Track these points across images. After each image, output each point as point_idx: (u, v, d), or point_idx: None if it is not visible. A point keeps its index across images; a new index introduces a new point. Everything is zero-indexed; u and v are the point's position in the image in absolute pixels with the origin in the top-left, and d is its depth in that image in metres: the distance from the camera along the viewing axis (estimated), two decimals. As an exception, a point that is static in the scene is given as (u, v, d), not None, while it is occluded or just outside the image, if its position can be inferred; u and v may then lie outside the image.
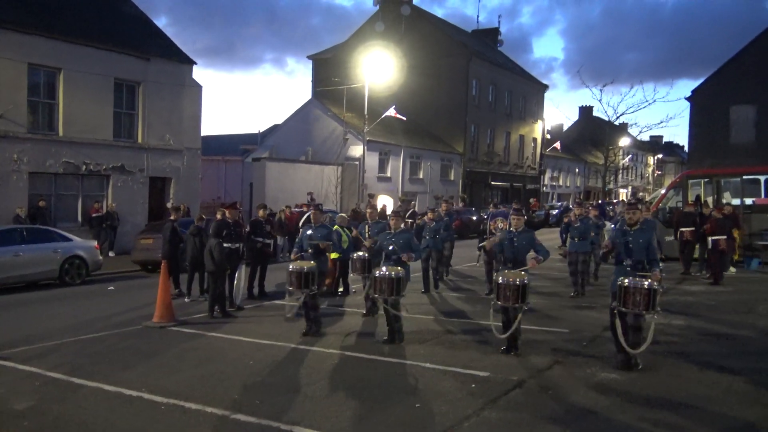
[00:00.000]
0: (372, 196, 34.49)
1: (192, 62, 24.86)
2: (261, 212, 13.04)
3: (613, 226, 13.72)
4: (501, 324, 8.03)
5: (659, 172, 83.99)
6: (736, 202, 18.49)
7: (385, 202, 34.13)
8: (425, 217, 13.96)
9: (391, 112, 33.98)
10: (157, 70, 23.23)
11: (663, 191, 24.61)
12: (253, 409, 5.86)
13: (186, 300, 12.15)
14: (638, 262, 7.30)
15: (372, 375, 7.08)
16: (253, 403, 6.02)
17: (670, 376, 6.99)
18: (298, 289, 8.81)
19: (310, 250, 9.27)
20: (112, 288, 14.54)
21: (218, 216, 11.80)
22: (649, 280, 7.01)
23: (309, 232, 9.52)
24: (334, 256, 12.65)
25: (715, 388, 6.50)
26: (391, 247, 8.90)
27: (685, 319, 10.14)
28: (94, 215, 20.83)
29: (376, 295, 8.50)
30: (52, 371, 7.22)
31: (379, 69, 34.87)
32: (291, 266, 8.90)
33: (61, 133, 20.62)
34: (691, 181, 20.23)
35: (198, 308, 11.33)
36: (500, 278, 7.84)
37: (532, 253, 8.21)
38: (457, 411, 5.74)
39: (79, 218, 21.26)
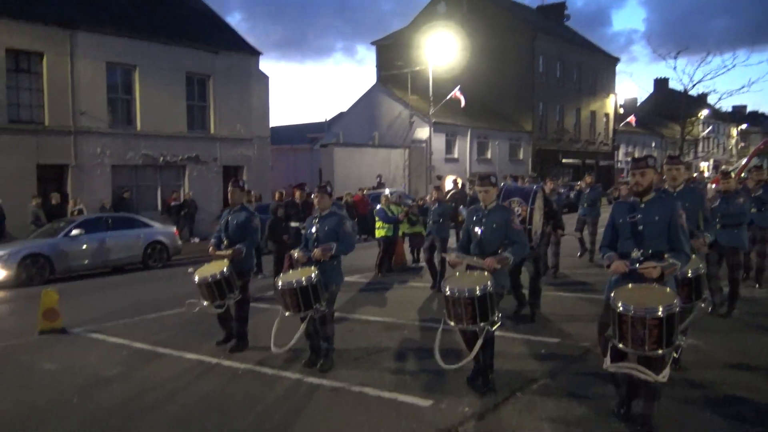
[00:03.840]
0: (440, 178, 34.47)
1: (258, 53, 25.45)
2: (297, 193, 11.44)
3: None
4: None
5: (743, 144, 79.60)
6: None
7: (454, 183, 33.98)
8: (427, 198, 11.43)
9: (456, 92, 33.77)
10: (226, 63, 23.92)
11: (745, 160, 23.46)
12: (335, 374, 6.04)
13: (259, 277, 12.54)
14: (655, 255, 4.54)
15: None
16: (338, 371, 6.19)
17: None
18: (211, 303, 6.83)
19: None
20: (191, 270, 15.10)
21: (276, 197, 12.16)
22: (666, 300, 4.21)
23: (313, 227, 6.46)
24: (380, 234, 12.76)
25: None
26: (314, 232, 6.39)
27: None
28: (172, 204, 21.75)
29: (287, 314, 6.11)
30: (137, 342, 7.67)
31: (443, 51, 34.61)
32: (196, 276, 6.90)
33: (139, 127, 21.60)
34: (776, 147, 19.18)
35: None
36: (447, 287, 5.22)
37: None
38: None
39: (159, 207, 22.28)
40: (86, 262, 14.68)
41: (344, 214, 6.68)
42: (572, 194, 15.22)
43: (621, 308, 4.25)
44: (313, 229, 6.39)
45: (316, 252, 6.13)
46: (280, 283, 6.06)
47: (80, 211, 17.81)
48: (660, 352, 4.19)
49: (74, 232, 14.49)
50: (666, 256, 4.50)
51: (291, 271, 6.40)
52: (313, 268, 6.13)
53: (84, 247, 14.55)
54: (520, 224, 5.80)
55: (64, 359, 7.10)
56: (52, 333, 8.31)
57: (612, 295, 4.42)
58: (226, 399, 5.46)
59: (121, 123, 21.43)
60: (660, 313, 4.14)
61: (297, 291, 5.92)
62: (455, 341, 6.03)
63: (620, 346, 4.29)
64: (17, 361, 7.09)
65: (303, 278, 5.92)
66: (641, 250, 4.57)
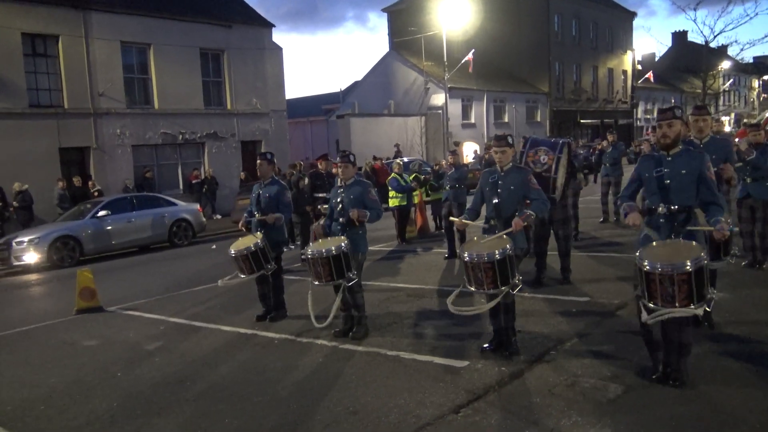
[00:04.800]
0: (458, 144, 34.33)
1: (271, 25, 25.32)
2: (322, 164, 11.39)
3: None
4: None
5: (766, 95, 77.79)
6: None
7: (472, 148, 33.83)
8: (443, 163, 11.21)
9: (470, 57, 33.38)
10: (239, 37, 23.83)
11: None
12: (369, 340, 6.14)
13: (285, 250, 12.64)
14: (682, 210, 4.49)
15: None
16: (372, 338, 6.29)
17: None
18: (251, 274, 6.92)
19: (341, 220, 6.31)
20: (214, 247, 15.33)
21: (296, 168, 12.45)
22: (693, 254, 4.09)
23: (339, 197, 6.41)
24: (393, 203, 12.77)
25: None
26: (339, 204, 6.33)
27: None
28: (194, 181, 21.94)
29: (316, 283, 6.13)
30: (173, 317, 7.86)
31: (456, 14, 34.08)
32: (232, 250, 6.93)
33: (156, 106, 21.70)
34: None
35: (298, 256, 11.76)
36: (465, 252, 5.12)
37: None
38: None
39: (181, 185, 22.48)
40: (114, 242, 14.92)
41: (369, 182, 6.68)
42: (593, 157, 14.97)
43: (648, 267, 4.15)
44: (339, 199, 6.35)
45: (354, 212, 6.05)
46: (310, 252, 6.03)
47: (100, 192, 18.05)
48: (692, 307, 4.10)
49: (101, 213, 14.71)
50: (696, 211, 4.48)
51: (320, 240, 6.41)
52: (342, 237, 6.16)
53: (111, 227, 14.78)
54: (545, 175, 5.76)
55: (104, 336, 7.30)
56: (89, 311, 8.54)
57: (637, 254, 4.32)
58: (265, 368, 5.58)
59: (139, 103, 21.56)
60: (688, 267, 4.03)
61: (329, 260, 5.90)
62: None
63: (650, 305, 4.20)
64: (58, 339, 7.30)
65: (333, 247, 5.92)
66: (667, 205, 4.50)
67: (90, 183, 18.89)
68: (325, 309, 6.90)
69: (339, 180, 6.59)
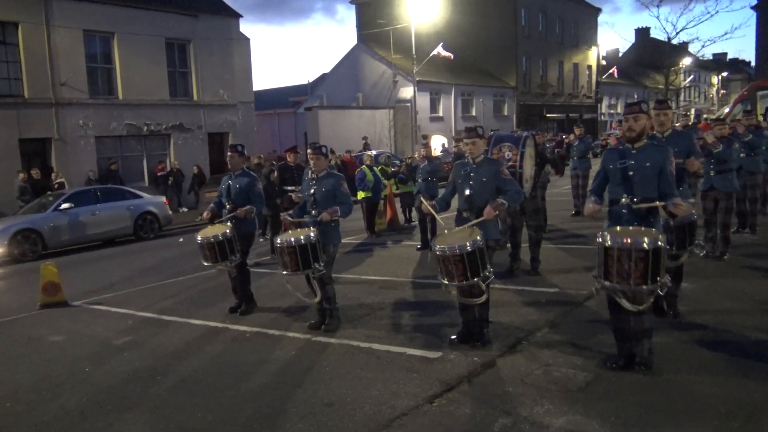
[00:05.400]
0: (426, 137, 34.42)
1: (238, 15, 24.98)
2: (291, 157, 11.22)
3: None
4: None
5: (724, 91, 79.72)
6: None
7: (440, 142, 33.98)
8: (416, 156, 11.39)
9: (439, 50, 33.47)
10: (206, 26, 23.46)
11: (728, 109, 23.60)
12: (342, 333, 6.14)
13: (260, 240, 12.55)
14: (645, 201, 4.62)
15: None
16: (344, 330, 6.27)
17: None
18: (215, 263, 6.84)
19: (313, 212, 6.25)
20: (181, 240, 15.11)
21: (255, 161, 12.46)
22: (652, 236, 4.27)
23: (311, 189, 6.33)
24: (362, 196, 12.77)
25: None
26: (312, 197, 6.27)
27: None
28: (159, 174, 21.56)
29: (284, 273, 6.07)
30: (142, 312, 7.74)
31: (425, 7, 34.12)
32: (198, 237, 6.84)
33: (121, 96, 21.26)
34: (760, 93, 19.33)
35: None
36: (437, 245, 5.12)
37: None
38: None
39: (146, 178, 22.08)
40: (78, 235, 14.57)
41: (341, 175, 6.61)
42: (556, 151, 15.25)
43: (609, 242, 4.32)
44: (312, 191, 6.29)
45: (325, 215, 6.03)
46: (278, 242, 6.01)
47: (61, 185, 17.61)
48: (644, 287, 4.27)
49: (64, 205, 14.36)
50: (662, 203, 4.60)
51: (290, 231, 6.35)
52: (312, 228, 6.11)
53: (75, 220, 14.43)
54: (509, 171, 5.80)
55: (71, 331, 7.16)
56: (54, 306, 8.35)
57: (601, 233, 4.46)
58: (238, 361, 5.55)
59: (103, 93, 21.07)
60: (646, 245, 4.21)
61: (296, 249, 5.87)
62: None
63: (606, 283, 4.38)
64: (23, 335, 7.13)
65: (302, 237, 5.91)
66: (630, 197, 4.62)
67: (53, 175, 18.42)
68: (297, 300, 6.93)
69: (311, 172, 6.50)
